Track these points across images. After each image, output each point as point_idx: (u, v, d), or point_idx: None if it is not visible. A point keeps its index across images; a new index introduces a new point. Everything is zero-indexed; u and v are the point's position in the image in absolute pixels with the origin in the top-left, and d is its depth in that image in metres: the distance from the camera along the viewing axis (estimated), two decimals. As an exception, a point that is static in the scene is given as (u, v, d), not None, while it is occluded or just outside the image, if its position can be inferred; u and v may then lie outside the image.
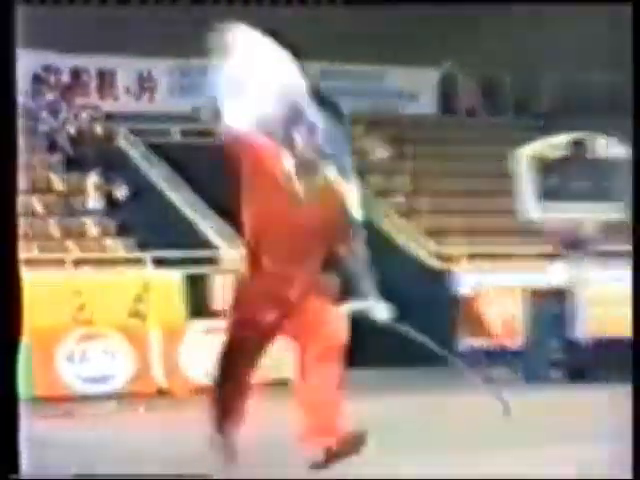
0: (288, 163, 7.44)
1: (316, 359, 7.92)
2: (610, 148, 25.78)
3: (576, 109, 29.72)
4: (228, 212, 23.41)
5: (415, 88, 32.21)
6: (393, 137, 29.76)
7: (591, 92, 31.57)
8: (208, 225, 23.33)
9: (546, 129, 25.88)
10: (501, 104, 33.13)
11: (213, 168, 24.90)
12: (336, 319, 8.04)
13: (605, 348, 20.17)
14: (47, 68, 26.94)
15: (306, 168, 7.39)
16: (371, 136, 29.35)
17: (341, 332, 7.99)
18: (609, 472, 6.03)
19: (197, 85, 28.71)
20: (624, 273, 21.55)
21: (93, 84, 28.55)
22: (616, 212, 25.06)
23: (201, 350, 18.48)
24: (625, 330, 19.41)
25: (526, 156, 24.58)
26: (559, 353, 19.68)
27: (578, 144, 25.43)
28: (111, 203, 24.53)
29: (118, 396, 17.49)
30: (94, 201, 24.37)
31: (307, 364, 8.03)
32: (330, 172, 7.71)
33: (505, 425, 10.64)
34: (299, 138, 7.38)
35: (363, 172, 26.25)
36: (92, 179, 24.47)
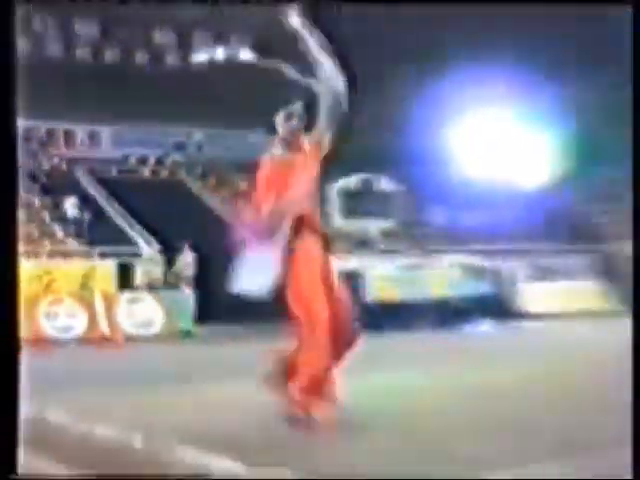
0: (277, 150, 6.57)
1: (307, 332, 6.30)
2: (386, 184, 26.06)
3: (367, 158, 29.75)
4: (146, 222, 23.19)
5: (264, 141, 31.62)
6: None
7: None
8: (133, 231, 23.02)
9: (346, 170, 25.98)
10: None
11: (137, 193, 24.95)
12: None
13: (386, 308, 19.79)
14: (29, 129, 26.24)
15: (287, 145, 6.50)
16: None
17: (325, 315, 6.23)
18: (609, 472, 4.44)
19: (127, 140, 28.52)
20: (397, 261, 21.76)
21: (61, 139, 28.12)
22: (389, 224, 25.28)
23: (129, 312, 18.48)
24: (396, 297, 19.54)
25: (336, 187, 24.69)
26: (358, 313, 19.61)
27: (367, 181, 25.60)
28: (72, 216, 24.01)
29: (77, 341, 17.26)
30: (71, 213, 23.85)
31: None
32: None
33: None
34: (279, 126, 6.55)
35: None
36: (71, 200, 23.99)
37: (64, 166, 26.87)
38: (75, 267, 19.37)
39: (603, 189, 29.89)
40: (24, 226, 21.13)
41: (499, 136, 30.58)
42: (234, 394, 7.71)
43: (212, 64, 31.44)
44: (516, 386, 7.83)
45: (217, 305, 19.61)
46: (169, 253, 20.53)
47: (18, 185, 4.20)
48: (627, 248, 26.53)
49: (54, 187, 25.22)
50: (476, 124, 30.54)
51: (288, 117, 6.58)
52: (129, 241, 22.39)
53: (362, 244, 23.20)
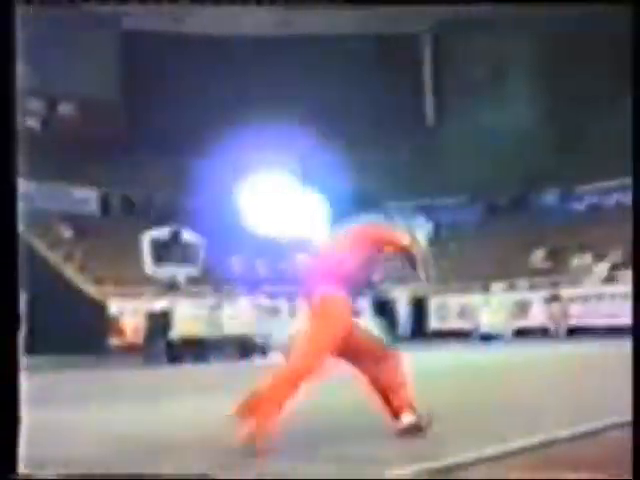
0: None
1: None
2: (191, 236, 26.32)
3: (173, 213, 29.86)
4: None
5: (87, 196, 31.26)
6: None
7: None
8: None
9: (156, 222, 26.19)
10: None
11: None
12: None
13: (188, 343, 19.49)
14: None
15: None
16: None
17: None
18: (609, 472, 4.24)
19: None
20: (200, 303, 21.62)
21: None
22: (194, 270, 25.38)
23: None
24: (197, 333, 19.38)
25: (147, 237, 24.78)
26: (164, 347, 19.44)
27: (174, 233, 25.82)
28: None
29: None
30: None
31: None
32: None
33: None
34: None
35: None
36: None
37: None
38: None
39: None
40: None
41: (284, 194, 31.52)
42: (57, 417, 7.83)
43: (43, 125, 31.38)
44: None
45: (45, 339, 19.56)
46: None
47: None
48: (393, 291, 27.10)
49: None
50: (264, 185, 31.50)
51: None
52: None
53: (170, 287, 23.26)
